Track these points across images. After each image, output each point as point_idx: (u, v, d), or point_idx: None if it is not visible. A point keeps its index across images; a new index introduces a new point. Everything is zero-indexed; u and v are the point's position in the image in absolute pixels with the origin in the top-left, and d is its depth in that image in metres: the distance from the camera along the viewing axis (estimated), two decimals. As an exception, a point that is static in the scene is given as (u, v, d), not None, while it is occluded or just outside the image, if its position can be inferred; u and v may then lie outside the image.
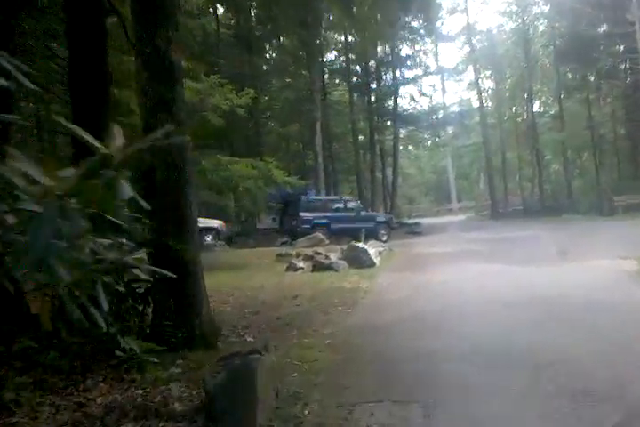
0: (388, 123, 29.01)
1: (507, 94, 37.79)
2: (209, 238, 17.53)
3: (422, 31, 28.52)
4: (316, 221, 18.90)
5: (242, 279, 10.39)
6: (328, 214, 19.25)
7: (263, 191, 12.67)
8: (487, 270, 10.35)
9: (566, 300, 6.50)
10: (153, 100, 4.66)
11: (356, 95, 29.33)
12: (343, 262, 11.96)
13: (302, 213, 18.93)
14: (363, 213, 20.32)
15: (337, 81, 29.44)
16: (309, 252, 13.92)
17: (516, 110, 36.83)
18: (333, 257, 13.15)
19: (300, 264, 12.09)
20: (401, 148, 62.98)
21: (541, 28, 35.62)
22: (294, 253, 13.92)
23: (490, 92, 38.90)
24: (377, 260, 12.42)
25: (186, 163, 4.80)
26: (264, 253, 15.28)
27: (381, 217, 21.40)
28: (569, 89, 34.80)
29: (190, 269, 4.46)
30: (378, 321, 5.95)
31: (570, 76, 35.07)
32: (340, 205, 20.06)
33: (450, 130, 47.48)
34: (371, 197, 26.95)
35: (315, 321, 6.07)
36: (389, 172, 28.08)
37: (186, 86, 12.05)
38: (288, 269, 11.95)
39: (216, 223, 17.61)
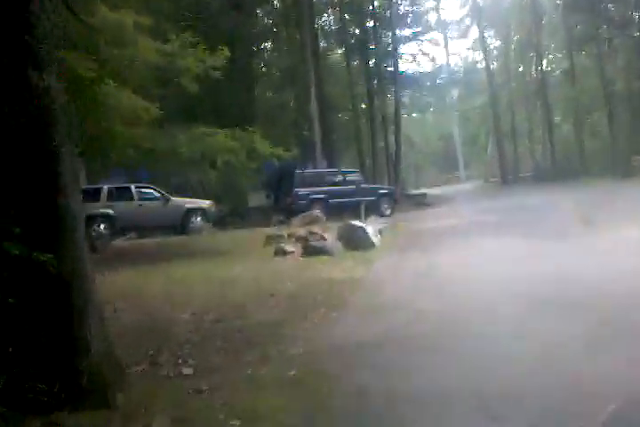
0: (391, 89, 27.07)
1: (513, 52, 35.47)
2: (197, 220, 16.13)
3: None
4: (312, 196, 17.40)
5: (220, 269, 8.99)
6: (326, 189, 17.70)
7: (246, 165, 11.13)
8: (508, 247, 8.88)
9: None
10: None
11: (356, 60, 27.42)
12: (338, 244, 10.53)
13: (298, 189, 17.41)
14: (363, 185, 18.72)
15: (332, 42, 27.34)
16: (303, 232, 12.48)
17: (523, 68, 34.53)
18: (330, 238, 11.73)
19: (290, 248, 10.66)
20: (405, 115, 60.87)
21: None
22: (285, 234, 12.48)
23: (495, 51, 36.58)
24: (377, 239, 10.96)
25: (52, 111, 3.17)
26: (254, 235, 13.86)
27: (384, 189, 19.78)
28: (579, 42, 32.44)
29: (73, 287, 3.02)
30: (367, 334, 4.52)
31: (579, 28, 32.57)
32: (340, 179, 18.48)
33: (455, 92, 45.33)
34: (372, 167, 25.27)
35: (285, 334, 4.65)
36: (393, 140, 26.27)
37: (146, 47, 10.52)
38: (276, 253, 10.53)
39: (204, 204, 16.17)
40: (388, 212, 18.42)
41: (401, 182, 25.57)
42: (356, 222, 11.18)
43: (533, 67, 33.99)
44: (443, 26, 29.91)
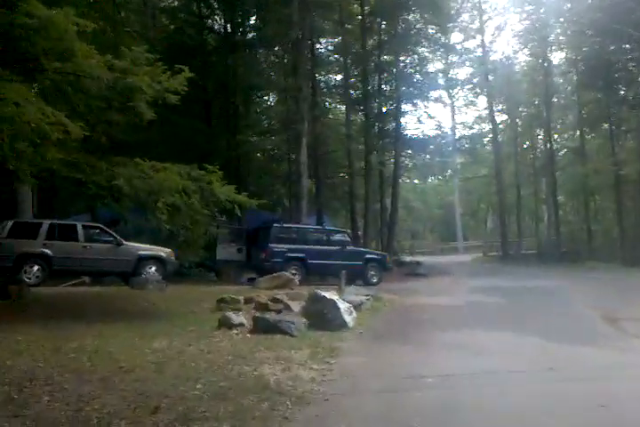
0: (391, 149, 25.41)
1: (520, 127, 34.28)
2: (152, 270, 13.84)
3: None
4: (289, 254, 15.19)
5: (136, 344, 6.69)
6: (306, 247, 15.52)
7: (199, 211, 8.99)
8: (519, 352, 6.57)
9: None
10: None
11: (357, 116, 26.05)
12: (301, 321, 8.20)
13: (273, 245, 15.22)
14: (350, 248, 16.55)
15: (333, 94, 25.94)
16: (266, 297, 10.19)
17: (532, 143, 33.30)
18: (295, 308, 9.42)
19: (239, 319, 8.33)
20: (407, 180, 59.28)
21: (561, 56, 32.30)
22: (242, 298, 10.16)
23: (502, 125, 35.32)
24: (351, 318, 8.63)
25: None
26: (211, 294, 11.49)
27: (373, 254, 17.48)
28: (591, 121, 31.31)
29: None
30: None
31: (592, 106, 31.50)
32: (324, 237, 16.37)
33: (458, 160, 43.95)
34: (364, 229, 23.17)
35: None
36: (390, 202, 24.40)
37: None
38: (220, 325, 8.20)
39: (162, 252, 13.93)
40: (375, 280, 16.14)
41: (394, 248, 23.39)
42: (327, 294, 8.89)
43: (541, 142, 32.73)
44: (450, 86, 28.50)
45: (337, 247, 15.80)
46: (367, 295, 11.73)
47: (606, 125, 30.83)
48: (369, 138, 22.86)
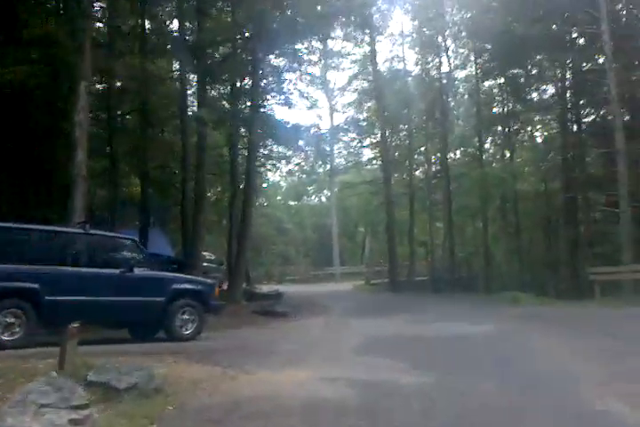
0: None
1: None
2: None
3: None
4: (4, 284, 7.30)
5: None
6: (40, 269, 7.65)
7: None
8: None
9: None
10: None
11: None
12: None
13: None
14: (141, 270, 8.60)
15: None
16: None
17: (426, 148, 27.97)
18: None
19: None
20: (279, 198, 52.98)
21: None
22: None
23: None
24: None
25: None
26: None
27: (187, 283, 9.06)
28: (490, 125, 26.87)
29: None
30: None
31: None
32: (82, 250, 8.28)
33: (336, 179, 38.41)
34: (190, 239, 15.16)
35: None
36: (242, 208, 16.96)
37: None
38: None
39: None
40: (190, 331, 8.61)
41: (245, 273, 15.82)
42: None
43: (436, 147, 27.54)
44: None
45: (112, 271, 8.14)
46: (134, 378, 4.41)
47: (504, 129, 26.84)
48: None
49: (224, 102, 19.50)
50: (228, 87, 18.95)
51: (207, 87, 16.92)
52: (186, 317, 8.62)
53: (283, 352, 7.85)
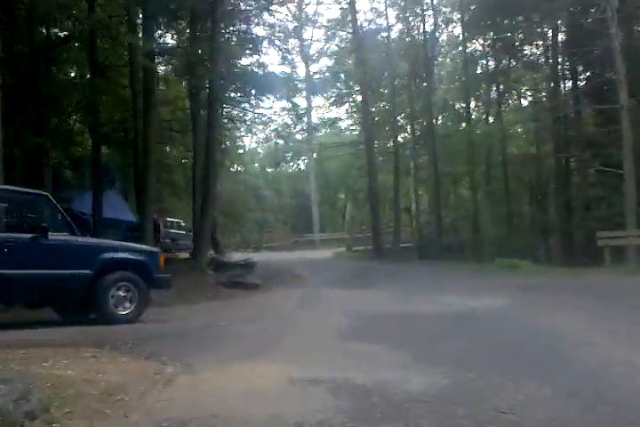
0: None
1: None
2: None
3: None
4: None
5: None
6: None
7: None
8: None
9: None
10: None
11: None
12: None
13: None
14: (59, 236, 6.53)
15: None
16: None
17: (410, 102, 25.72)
18: None
19: None
20: (256, 165, 50.72)
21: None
22: None
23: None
24: None
25: None
26: None
27: (121, 251, 7.20)
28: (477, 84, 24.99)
29: None
30: None
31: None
32: None
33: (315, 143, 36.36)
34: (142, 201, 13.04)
35: None
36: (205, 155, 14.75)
37: None
38: None
39: None
40: (128, 311, 6.80)
41: (207, 239, 13.65)
42: None
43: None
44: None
45: (20, 236, 6.20)
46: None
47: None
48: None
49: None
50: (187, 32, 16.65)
51: (160, 30, 14.63)
52: (122, 294, 6.77)
53: (245, 337, 6.11)
